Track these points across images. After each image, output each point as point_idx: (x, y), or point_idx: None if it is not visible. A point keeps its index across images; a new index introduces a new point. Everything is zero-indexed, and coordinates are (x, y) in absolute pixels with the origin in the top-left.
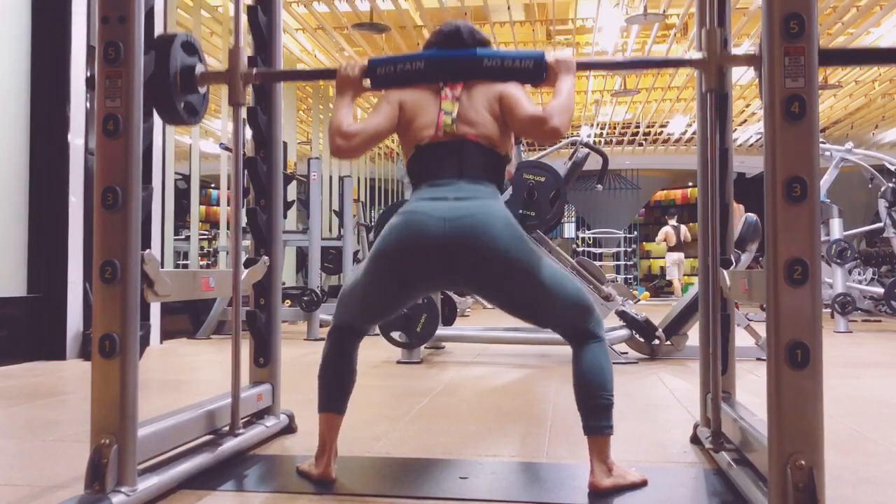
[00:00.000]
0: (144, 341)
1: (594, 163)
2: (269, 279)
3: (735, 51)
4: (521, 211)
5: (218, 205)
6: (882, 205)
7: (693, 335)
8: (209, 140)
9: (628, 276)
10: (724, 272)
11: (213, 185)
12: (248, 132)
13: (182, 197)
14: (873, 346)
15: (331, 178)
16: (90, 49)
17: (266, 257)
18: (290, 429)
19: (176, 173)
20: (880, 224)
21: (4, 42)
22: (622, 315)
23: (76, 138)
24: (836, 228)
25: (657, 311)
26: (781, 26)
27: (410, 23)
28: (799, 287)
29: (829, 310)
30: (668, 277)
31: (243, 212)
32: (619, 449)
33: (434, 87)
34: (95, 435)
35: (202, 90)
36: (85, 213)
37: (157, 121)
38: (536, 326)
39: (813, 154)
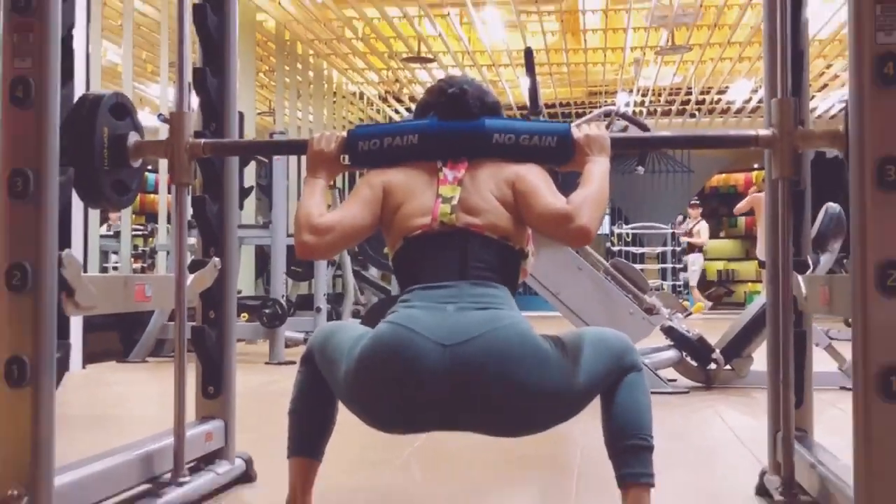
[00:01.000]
0: (62, 365)
1: None
2: (220, 287)
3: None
4: None
5: (156, 192)
6: None
7: (760, 357)
8: (145, 110)
9: (677, 283)
10: (799, 278)
11: (149, 168)
12: (195, 100)
13: None
14: None
15: (299, 158)
16: None
17: (217, 259)
18: (247, 476)
19: None
20: None
21: None
22: (669, 332)
23: None
24: None
25: (714, 327)
26: None
27: None
28: (894, 297)
29: None
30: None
31: (189, 201)
32: (666, 503)
33: (430, 166)
34: (1, 484)
35: (136, 164)
36: None
37: (79, 85)
38: None
39: None
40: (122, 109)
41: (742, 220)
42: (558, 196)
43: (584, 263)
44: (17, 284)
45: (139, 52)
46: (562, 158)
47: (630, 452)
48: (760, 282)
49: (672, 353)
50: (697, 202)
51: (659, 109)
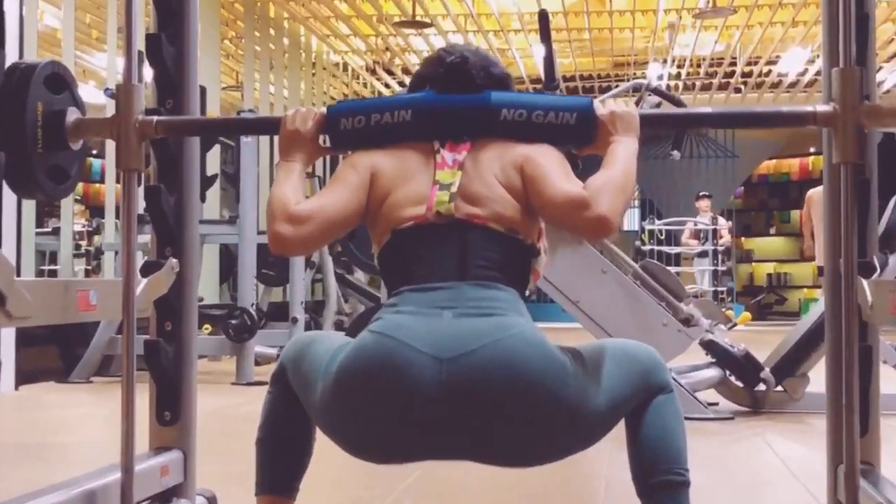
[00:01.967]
0: None
1: None
2: (179, 293)
3: None
4: None
5: (102, 182)
6: None
7: (817, 377)
8: (90, 84)
9: (720, 289)
10: (864, 282)
11: (93, 152)
12: (148, 72)
13: None
14: None
15: (271, 140)
16: None
17: (174, 260)
18: None
19: None
20: None
21: None
22: (710, 347)
23: None
24: None
25: (764, 341)
26: None
27: None
28: None
29: None
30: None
31: (140, 192)
32: None
33: (426, 147)
34: None
35: (76, 146)
36: None
37: (11, 53)
38: None
39: None
40: (60, 81)
41: (796, 215)
42: (575, 181)
43: (610, 265)
44: None
45: (82, 16)
46: (582, 139)
47: (663, 490)
48: (818, 287)
49: (713, 372)
50: (706, 193)
51: (698, 83)
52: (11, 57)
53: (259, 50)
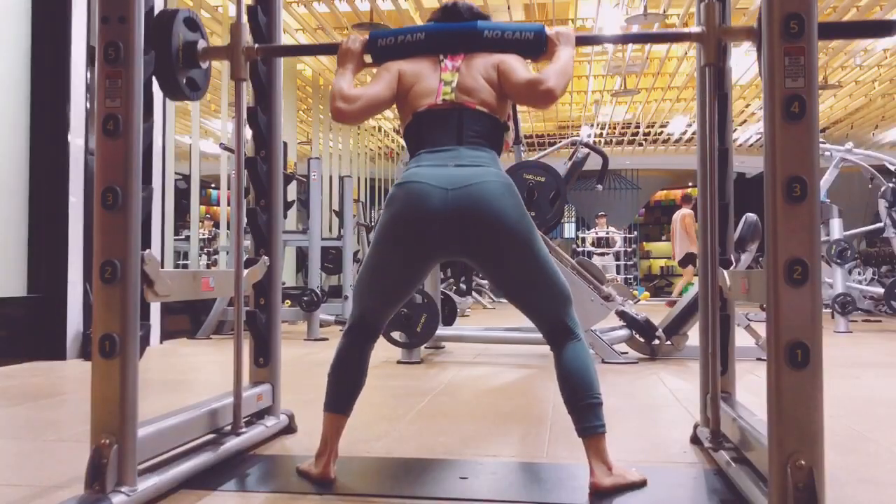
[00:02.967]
0: (144, 341)
1: (594, 163)
2: (269, 279)
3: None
4: None
5: (218, 205)
6: (882, 205)
7: (693, 335)
8: (209, 140)
9: (628, 276)
10: (724, 272)
11: (213, 185)
12: (249, 132)
13: (182, 197)
14: (873, 346)
15: (331, 178)
16: (90, 49)
17: (266, 257)
18: (290, 429)
19: (176, 173)
20: (880, 224)
21: (5, 42)
22: (622, 315)
23: (76, 138)
24: (836, 228)
25: (658, 312)
26: (781, 26)
27: (410, 22)
28: (799, 287)
29: (829, 310)
30: None
31: (243, 211)
32: (619, 449)
33: (434, 58)
34: (95, 435)
35: (204, 66)
36: (85, 213)
37: (158, 121)
38: (521, 309)
39: (813, 154)
40: (193, 23)
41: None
42: (533, 73)
43: (555, 260)
44: (109, 278)
45: (205, 95)
46: (538, 49)
47: (586, 409)
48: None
49: (624, 332)
50: (603, 213)
51: (614, 139)
52: (157, 122)
53: (322, 118)
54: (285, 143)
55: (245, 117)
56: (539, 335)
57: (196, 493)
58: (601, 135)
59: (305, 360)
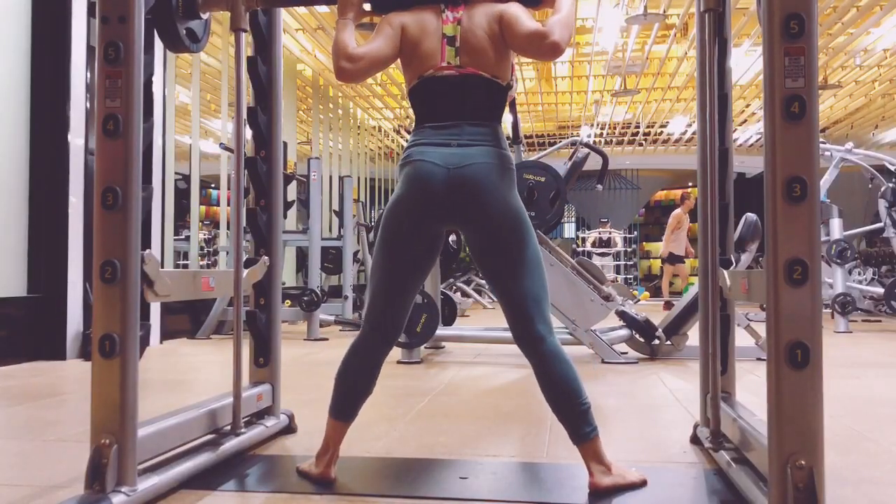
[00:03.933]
0: (144, 341)
1: (594, 163)
2: (269, 279)
3: (735, 51)
4: None
5: (217, 205)
6: (882, 205)
7: (693, 335)
8: (209, 140)
9: (628, 277)
10: (724, 272)
11: (213, 185)
12: (249, 132)
13: (182, 197)
14: (873, 346)
15: (331, 178)
16: (90, 49)
17: (266, 257)
18: (289, 429)
19: (176, 173)
20: (880, 224)
21: (4, 42)
22: (622, 315)
23: (76, 138)
24: (836, 228)
25: (658, 312)
26: (781, 26)
27: None
28: (799, 287)
29: (829, 310)
30: None
31: (243, 211)
32: (619, 449)
33: (435, 8)
34: (95, 435)
35: (204, 16)
36: (85, 213)
37: (158, 121)
38: (500, 302)
39: (813, 154)
40: None
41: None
42: (535, 21)
43: (556, 260)
44: (109, 278)
45: (204, 94)
46: None
47: (577, 417)
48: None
49: (624, 332)
50: (606, 220)
51: (614, 140)
52: (157, 124)
53: (322, 117)
54: (285, 143)
55: (245, 69)
56: None
57: (196, 493)
58: (601, 135)
59: (305, 360)
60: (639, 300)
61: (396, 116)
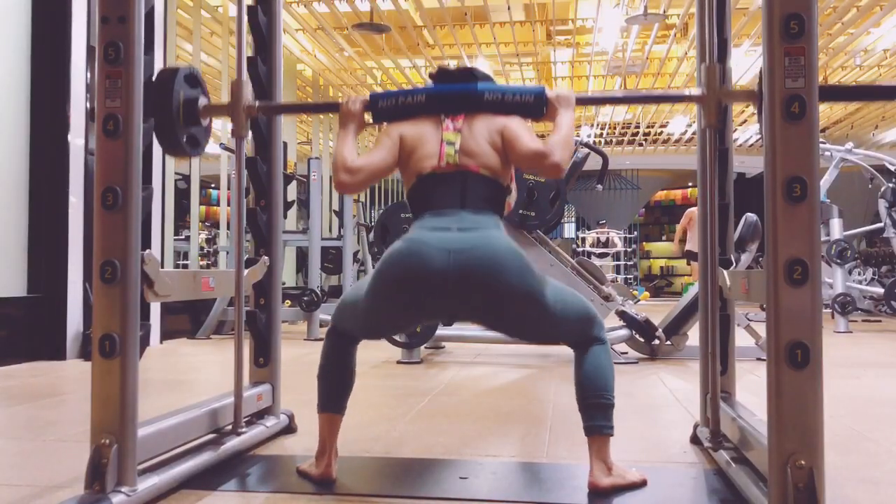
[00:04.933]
0: (144, 341)
1: (594, 163)
2: (269, 279)
3: (735, 51)
4: (521, 211)
5: (218, 205)
6: (882, 205)
7: (693, 335)
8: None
9: (628, 277)
10: (724, 272)
11: (213, 185)
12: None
13: (182, 197)
14: (873, 346)
15: (330, 178)
16: (90, 49)
17: (266, 257)
18: (290, 429)
19: (176, 173)
20: (880, 224)
21: (4, 42)
22: (622, 315)
23: (76, 138)
24: (836, 228)
25: (658, 312)
26: (781, 26)
27: (410, 23)
28: (799, 287)
29: (829, 310)
30: None
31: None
32: (619, 449)
33: (435, 118)
34: (95, 435)
35: (205, 122)
36: (85, 213)
37: None
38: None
39: (813, 154)
40: (194, 79)
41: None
42: (537, 140)
43: (555, 260)
44: (109, 278)
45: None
46: (537, 112)
47: (596, 408)
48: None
49: (624, 332)
50: (604, 221)
51: (614, 140)
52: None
53: (322, 118)
54: (285, 143)
55: (244, 157)
56: None
57: (196, 493)
58: (601, 135)
59: (305, 360)
60: (639, 300)
61: None
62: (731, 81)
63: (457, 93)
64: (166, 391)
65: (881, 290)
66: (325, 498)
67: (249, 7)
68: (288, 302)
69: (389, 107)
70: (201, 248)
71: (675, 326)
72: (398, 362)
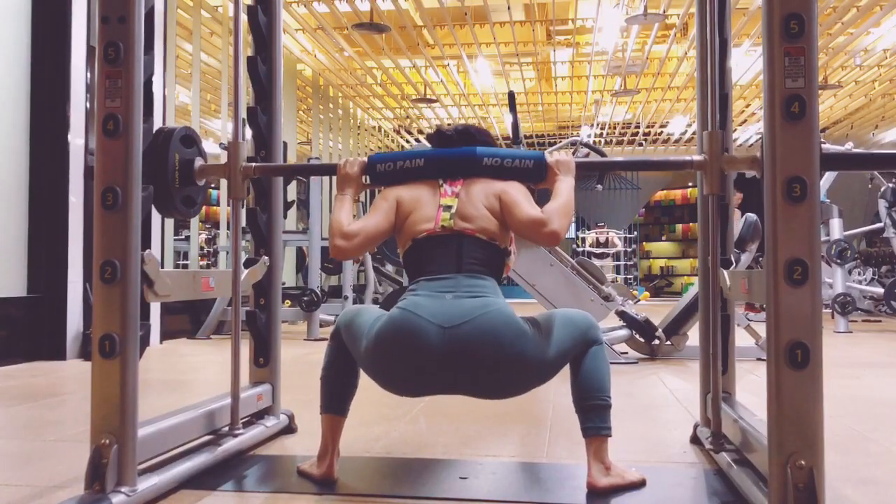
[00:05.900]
0: (144, 341)
1: None
2: (268, 279)
3: (735, 51)
4: None
5: (218, 205)
6: (882, 205)
7: (693, 335)
8: (209, 140)
9: (628, 277)
10: (724, 272)
11: (213, 186)
12: (248, 132)
13: None
14: (873, 346)
15: (330, 178)
16: (90, 49)
17: (266, 257)
18: (290, 429)
19: None
20: (880, 224)
21: (4, 42)
22: (622, 315)
23: (76, 138)
24: (836, 228)
25: (658, 312)
26: (781, 26)
27: (410, 22)
28: (799, 287)
29: (829, 310)
30: None
31: (243, 212)
32: (619, 449)
33: (433, 183)
34: (95, 435)
35: (200, 183)
36: (85, 213)
37: (158, 121)
38: None
39: (813, 154)
40: (190, 140)
41: (679, 227)
42: (535, 207)
43: (555, 261)
44: (109, 278)
45: (204, 94)
46: (537, 178)
47: (593, 410)
48: (695, 275)
49: (624, 332)
50: (602, 223)
51: (614, 139)
52: (157, 123)
53: (322, 118)
54: (285, 143)
55: (240, 217)
56: None
57: (196, 493)
58: (601, 135)
59: (305, 360)
60: (639, 300)
61: (396, 116)
62: (732, 147)
63: (456, 157)
64: (166, 391)
65: (881, 290)
66: (325, 498)
67: (249, 7)
68: (288, 302)
69: (388, 171)
70: (201, 248)
71: (675, 326)
72: None
